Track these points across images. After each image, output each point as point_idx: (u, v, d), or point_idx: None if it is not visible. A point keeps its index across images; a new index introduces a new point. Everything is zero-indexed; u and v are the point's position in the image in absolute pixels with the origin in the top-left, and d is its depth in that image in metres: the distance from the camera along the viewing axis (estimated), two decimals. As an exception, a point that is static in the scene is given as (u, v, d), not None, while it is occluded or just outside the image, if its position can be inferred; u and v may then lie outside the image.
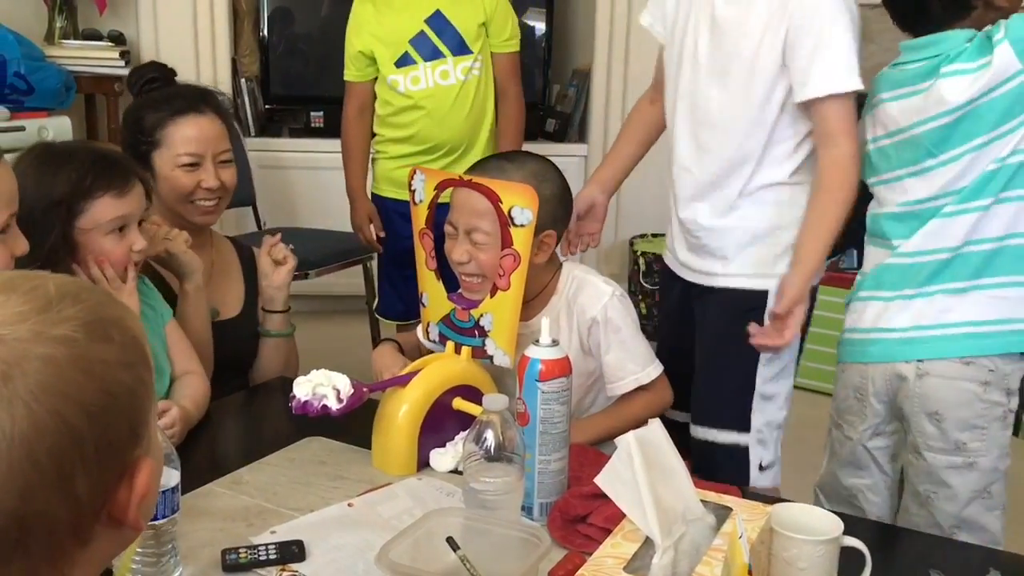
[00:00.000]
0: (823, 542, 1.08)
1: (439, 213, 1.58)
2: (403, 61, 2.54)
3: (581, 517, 1.23)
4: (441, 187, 1.55)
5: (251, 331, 1.86)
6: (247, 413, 1.68)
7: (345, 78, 2.65)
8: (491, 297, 1.50)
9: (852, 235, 1.74)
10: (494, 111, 2.64)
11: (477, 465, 1.18)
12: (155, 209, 1.81)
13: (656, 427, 1.11)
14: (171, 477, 1.10)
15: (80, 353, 0.63)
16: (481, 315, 1.51)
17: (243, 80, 3.94)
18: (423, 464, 1.43)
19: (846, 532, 1.10)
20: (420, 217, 1.58)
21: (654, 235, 4.01)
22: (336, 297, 3.57)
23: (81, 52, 3.39)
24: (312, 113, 3.95)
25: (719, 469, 1.66)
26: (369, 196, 2.73)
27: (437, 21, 2.53)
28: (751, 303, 1.72)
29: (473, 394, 1.45)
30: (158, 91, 1.85)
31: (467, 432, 1.23)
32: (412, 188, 1.57)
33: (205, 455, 1.50)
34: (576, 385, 1.39)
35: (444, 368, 1.47)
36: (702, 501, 1.11)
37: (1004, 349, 1.59)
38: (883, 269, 1.67)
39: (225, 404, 1.67)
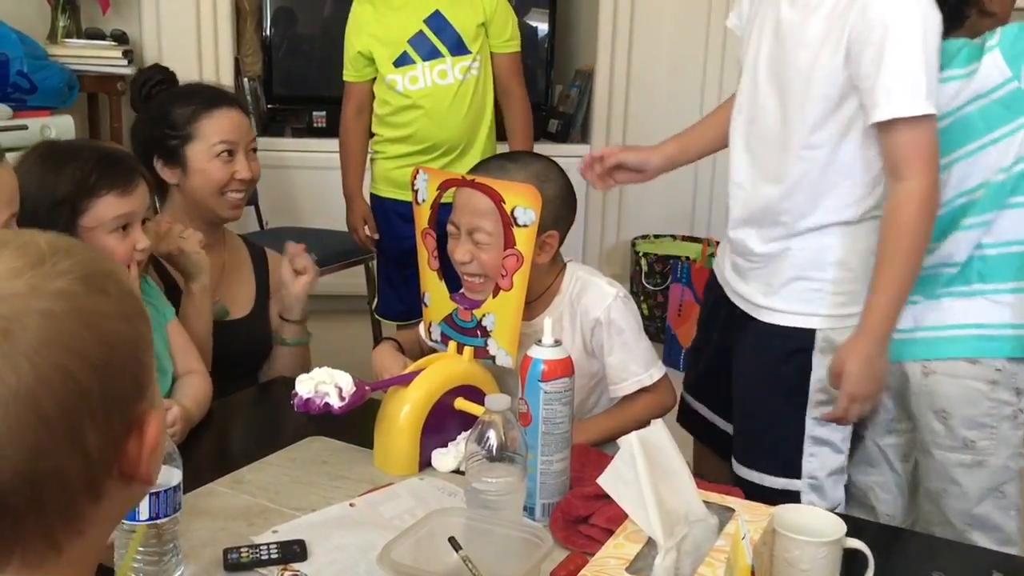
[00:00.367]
0: (826, 543, 1.08)
1: (442, 213, 1.58)
2: (402, 61, 2.54)
3: (583, 518, 1.23)
4: (444, 187, 1.55)
5: (261, 331, 1.85)
6: (249, 412, 1.68)
7: (344, 78, 2.66)
8: (493, 297, 1.50)
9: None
10: (493, 111, 2.64)
11: (479, 465, 1.18)
12: (178, 207, 1.83)
13: (659, 428, 1.11)
14: (173, 476, 1.10)
15: (79, 305, 0.62)
16: (483, 315, 1.51)
17: (246, 79, 3.94)
18: (425, 464, 1.42)
19: (849, 534, 1.10)
20: (423, 217, 1.58)
21: (656, 236, 4.01)
22: (338, 297, 3.56)
23: (84, 51, 3.38)
24: (315, 113, 3.95)
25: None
26: (367, 196, 2.74)
27: (436, 21, 2.53)
28: (796, 343, 1.58)
29: (475, 394, 1.44)
30: (172, 89, 1.86)
31: (469, 432, 1.23)
32: (415, 188, 1.57)
33: (207, 454, 1.49)
34: (579, 386, 1.39)
35: (446, 368, 1.47)
36: (704, 502, 1.11)
37: (1011, 353, 1.59)
38: None
39: (227, 403, 1.67)
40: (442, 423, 1.43)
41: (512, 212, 1.44)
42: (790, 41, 1.52)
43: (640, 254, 3.86)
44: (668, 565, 1.00)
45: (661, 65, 3.95)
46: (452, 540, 1.10)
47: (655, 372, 1.62)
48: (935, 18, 1.43)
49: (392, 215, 2.66)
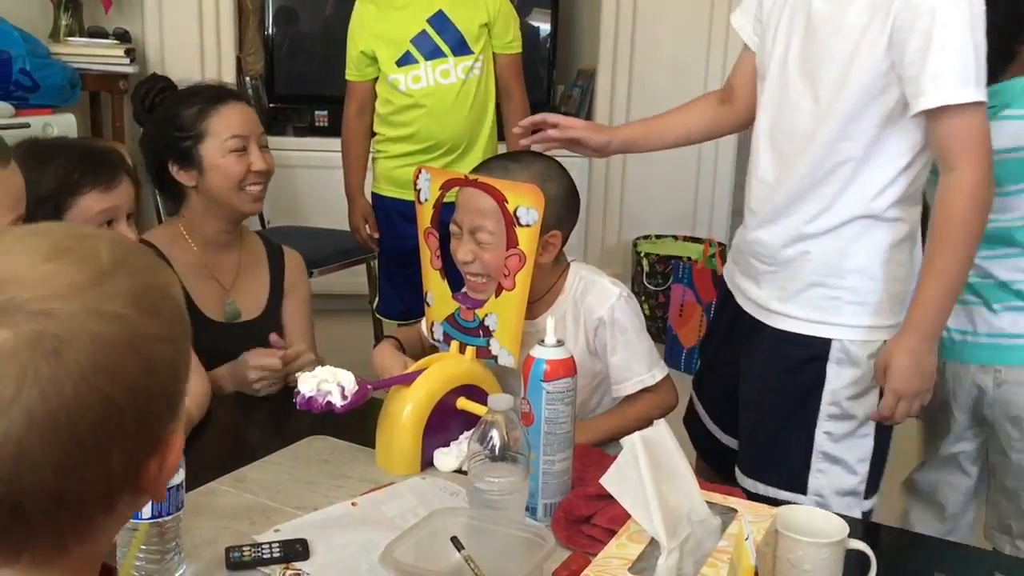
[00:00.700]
0: (828, 545, 1.08)
1: (444, 212, 1.58)
2: (404, 60, 2.55)
3: (585, 518, 1.23)
4: (446, 186, 1.55)
5: (272, 333, 1.81)
6: (251, 411, 1.68)
7: (346, 77, 2.66)
8: (496, 297, 1.50)
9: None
10: (495, 111, 2.65)
11: (481, 465, 1.18)
12: (197, 211, 1.82)
13: (662, 428, 1.11)
14: (175, 475, 1.10)
15: (131, 331, 0.62)
16: (486, 315, 1.51)
17: (247, 78, 3.94)
18: (427, 464, 1.42)
19: (851, 535, 1.10)
20: (425, 216, 1.58)
21: (657, 236, 4.01)
22: (339, 296, 3.57)
23: (86, 50, 3.39)
24: (316, 112, 3.95)
25: None
26: (369, 195, 2.74)
27: (439, 21, 2.54)
28: (811, 352, 1.53)
29: (477, 394, 1.44)
30: (175, 92, 1.87)
31: (471, 432, 1.23)
32: (417, 187, 1.57)
33: (209, 453, 1.49)
34: (581, 386, 1.39)
35: (448, 368, 1.47)
36: (707, 503, 1.11)
37: None
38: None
39: (229, 402, 1.67)
40: (444, 423, 1.43)
41: (515, 212, 1.44)
42: (824, 32, 1.47)
43: (641, 254, 3.86)
44: (671, 565, 1.00)
45: (663, 65, 3.95)
46: (454, 540, 1.09)
47: (658, 372, 1.62)
48: (981, 4, 1.38)
49: (393, 214, 2.66)
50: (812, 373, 1.53)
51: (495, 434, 1.18)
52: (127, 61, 3.40)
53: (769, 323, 1.59)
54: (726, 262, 1.76)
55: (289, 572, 1.15)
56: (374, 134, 2.70)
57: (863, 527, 1.39)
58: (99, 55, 3.38)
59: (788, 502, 1.50)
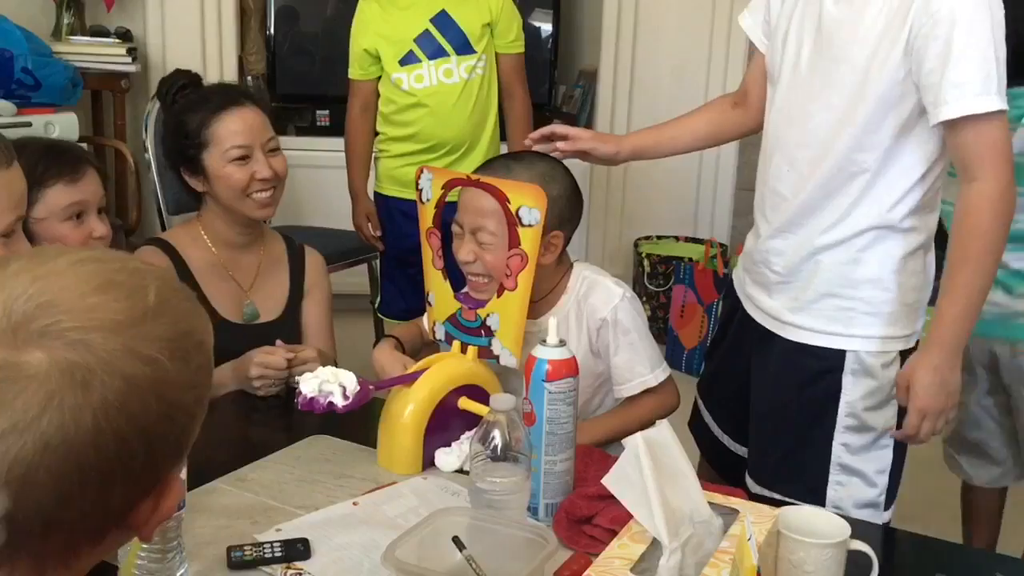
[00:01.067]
0: (830, 545, 1.08)
1: (447, 212, 1.58)
2: (407, 59, 2.55)
3: (587, 518, 1.23)
4: (448, 186, 1.55)
5: (290, 335, 1.80)
6: (253, 410, 1.67)
7: (349, 76, 2.67)
8: (498, 297, 1.50)
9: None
10: (498, 111, 2.65)
11: (483, 465, 1.18)
12: (213, 213, 1.82)
13: (664, 428, 1.11)
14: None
15: (161, 377, 0.63)
16: (488, 315, 1.51)
17: (249, 78, 3.94)
18: (428, 463, 1.42)
19: (853, 536, 1.10)
20: (427, 216, 1.58)
21: (659, 237, 4.01)
22: (341, 296, 3.57)
23: (88, 48, 3.39)
24: (318, 112, 3.95)
25: None
26: (372, 194, 2.74)
27: (442, 20, 2.54)
28: (825, 363, 1.51)
29: (479, 394, 1.44)
30: (188, 96, 1.85)
31: (473, 432, 1.23)
32: (419, 187, 1.57)
33: (210, 452, 1.48)
34: (584, 386, 1.38)
35: (450, 367, 1.47)
36: (710, 503, 1.11)
37: None
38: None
39: (231, 401, 1.67)
40: (446, 422, 1.43)
41: (517, 212, 1.44)
42: (839, 38, 1.43)
43: (643, 255, 3.86)
44: (672, 566, 1.00)
45: (664, 66, 3.94)
46: (456, 539, 1.10)
47: (660, 373, 1.62)
48: (1000, 10, 1.35)
49: (396, 213, 2.66)
50: (828, 385, 1.51)
51: (497, 434, 1.18)
52: (129, 60, 3.40)
53: (782, 334, 1.56)
54: (735, 270, 1.73)
55: (290, 572, 1.15)
56: (377, 133, 2.70)
57: (865, 528, 1.39)
58: (101, 54, 3.38)
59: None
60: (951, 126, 1.37)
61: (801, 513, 1.14)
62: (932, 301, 1.52)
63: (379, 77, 2.62)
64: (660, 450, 1.07)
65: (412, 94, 2.56)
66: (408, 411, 1.41)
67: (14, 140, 1.64)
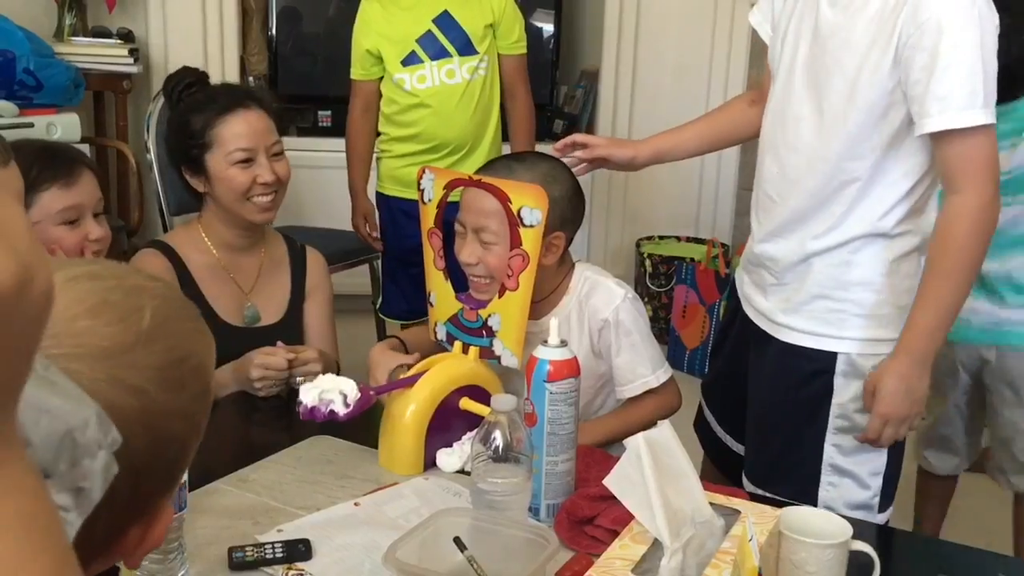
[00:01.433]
0: (832, 546, 1.08)
1: (448, 212, 1.58)
2: (410, 60, 2.55)
3: (588, 519, 1.23)
4: (450, 186, 1.55)
5: (292, 338, 1.79)
6: (254, 411, 1.68)
7: (351, 77, 2.67)
8: (499, 297, 1.50)
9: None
10: (500, 112, 2.65)
11: (484, 465, 1.18)
12: (212, 214, 1.81)
13: (666, 429, 1.11)
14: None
15: (147, 407, 0.60)
16: (489, 315, 1.51)
17: (251, 78, 3.94)
18: (430, 464, 1.42)
19: (855, 536, 1.10)
20: (429, 216, 1.58)
21: (661, 237, 4.00)
22: (342, 296, 3.57)
23: (90, 49, 3.39)
24: (320, 112, 3.95)
25: None
26: (373, 195, 2.74)
27: (444, 21, 2.54)
28: (817, 365, 1.51)
29: (480, 394, 1.44)
30: (194, 95, 1.83)
31: (474, 432, 1.22)
32: (421, 187, 1.57)
33: (212, 453, 1.48)
34: (585, 387, 1.38)
35: (451, 368, 1.47)
36: (711, 504, 1.11)
37: None
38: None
39: (233, 402, 1.67)
40: (447, 423, 1.43)
41: (519, 212, 1.44)
42: (833, 44, 1.42)
43: (644, 255, 3.86)
44: (674, 567, 1.00)
45: (666, 66, 3.94)
46: (457, 540, 1.09)
47: (662, 374, 1.62)
48: (992, 19, 1.32)
49: (398, 213, 2.66)
50: (819, 386, 1.52)
51: (498, 435, 1.18)
52: (131, 61, 3.40)
53: (775, 335, 1.57)
54: (737, 270, 1.73)
55: (292, 572, 1.15)
56: (379, 133, 2.70)
57: (867, 529, 1.39)
58: (103, 55, 3.38)
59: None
60: (935, 138, 1.36)
61: (803, 513, 1.14)
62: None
63: (381, 78, 2.62)
64: (661, 451, 1.07)
65: (414, 94, 2.56)
66: (409, 412, 1.41)
67: (11, 141, 1.64)
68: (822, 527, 1.11)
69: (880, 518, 1.55)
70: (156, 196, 2.82)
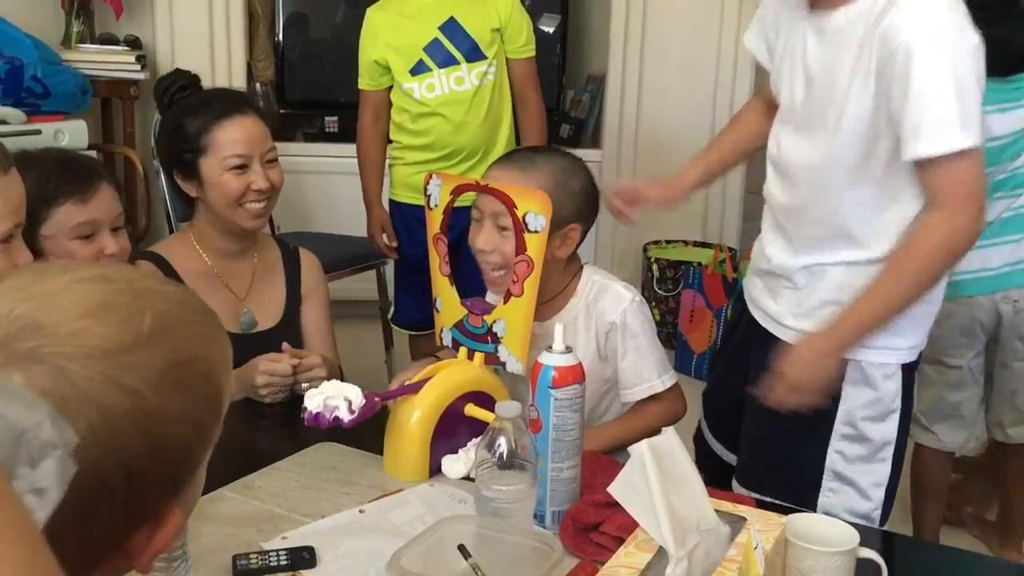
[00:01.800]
0: (839, 553, 1.07)
1: (454, 218, 1.58)
2: (418, 69, 2.55)
3: (594, 525, 1.22)
4: (456, 192, 1.54)
5: (291, 343, 1.77)
6: (259, 417, 1.67)
7: (360, 87, 2.66)
8: (504, 303, 1.49)
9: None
10: (512, 116, 2.65)
11: (489, 472, 1.17)
12: (203, 219, 1.81)
13: (670, 436, 1.10)
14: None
15: (142, 409, 0.59)
16: (494, 321, 1.50)
17: (258, 84, 3.95)
18: (435, 470, 1.42)
19: (862, 543, 1.09)
20: (435, 222, 1.57)
21: (668, 242, 3.99)
22: (349, 302, 3.57)
23: (98, 56, 3.40)
24: (327, 118, 3.95)
25: None
26: (386, 202, 2.73)
27: (451, 28, 2.54)
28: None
29: (486, 400, 1.44)
30: (191, 97, 1.83)
31: (479, 439, 1.22)
32: (427, 193, 1.57)
33: (216, 459, 1.48)
34: (591, 391, 1.38)
35: (456, 374, 1.47)
36: (717, 511, 1.10)
37: None
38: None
39: (237, 408, 1.67)
40: (452, 429, 1.42)
41: (524, 218, 1.44)
42: (821, 79, 1.42)
43: (652, 259, 3.85)
44: (679, 575, 0.99)
45: (673, 70, 3.94)
46: (462, 548, 1.09)
47: (667, 379, 1.61)
48: (965, 40, 1.31)
49: (411, 220, 2.65)
50: (830, 395, 1.50)
51: (503, 441, 1.17)
52: (138, 68, 3.41)
53: (784, 338, 1.56)
54: (745, 274, 1.72)
55: (296, 580, 1.15)
56: (390, 141, 2.70)
57: (874, 536, 1.38)
58: (110, 62, 3.39)
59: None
60: (918, 163, 1.35)
61: (809, 521, 1.13)
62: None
63: (390, 87, 2.62)
64: (666, 458, 1.06)
65: (424, 104, 2.56)
66: (415, 418, 1.41)
67: (33, 151, 1.63)
68: (829, 534, 1.10)
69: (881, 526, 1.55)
70: (163, 203, 2.83)
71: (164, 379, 0.61)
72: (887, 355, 1.49)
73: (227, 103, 1.79)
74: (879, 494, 1.53)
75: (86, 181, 1.53)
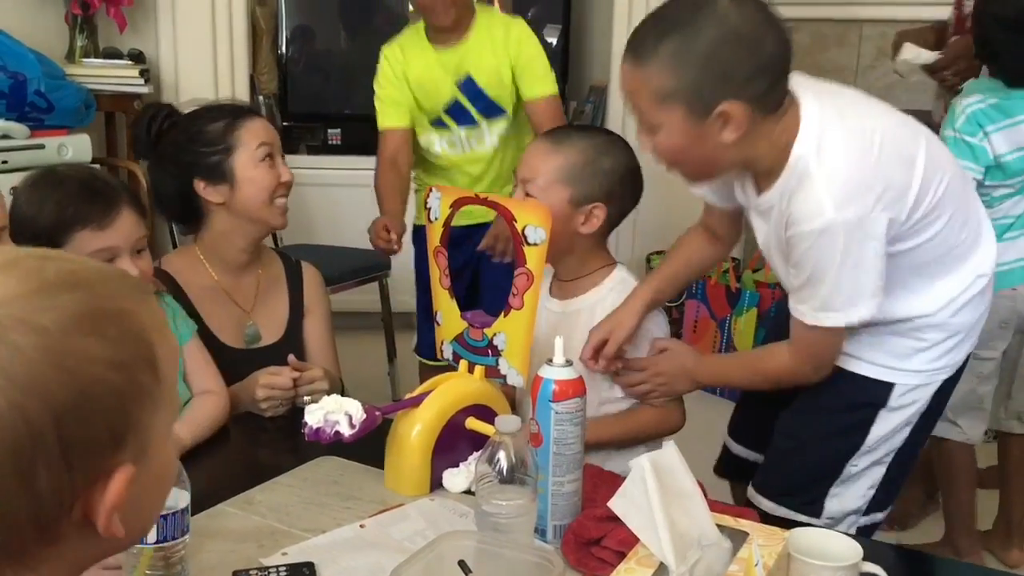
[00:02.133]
0: (842, 568, 1.06)
1: (455, 232, 1.58)
2: (438, 123, 2.55)
3: (595, 540, 1.22)
4: (456, 205, 1.54)
5: (294, 356, 1.75)
6: (260, 432, 1.67)
7: (379, 127, 2.57)
8: (504, 316, 1.49)
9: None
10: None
11: (490, 487, 1.17)
12: (218, 233, 1.78)
13: (670, 450, 1.10)
14: (181, 498, 1.09)
15: (54, 346, 0.60)
16: (494, 334, 1.50)
17: (261, 97, 3.96)
18: (436, 484, 1.41)
19: (865, 558, 1.08)
20: (435, 235, 1.57)
21: (671, 252, 3.99)
22: (352, 314, 3.58)
23: (101, 71, 3.41)
24: (330, 130, 3.97)
25: None
26: (411, 226, 2.62)
27: (468, 87, 2.51)
28: (869, 396, 1.53)
29: (487, 414, 1.43)
30: (191, 112, 1.83)
31: (480, 453, 1.22)
32: (428, 206, 1.57)
33: (216, 475, 1.49)
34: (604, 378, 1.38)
35: (457, 387, 1.46)
36: (718, 525, 1.10)
37: None
38: None
39: (238, 422, 1.67)
40: (453, 443, 1.42)
41: (523, 231, 1.44)
42: (765, 248, 1.51)
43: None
44: (680, 590, 0.99)
45: (675, 81, 3.94)
46: (462, 563, 1.08)
47: None
48: (862, 222, 1.33)
49: None
50: (863, 416, 1.53)
51: (503, 455, 1.17)
52: (141, 82, 3.41)
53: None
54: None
55: (296, 596, 1.14)
56: (415, 168, 2.66)
57: (877, 549, 1.37)
58: (114, 76, 3.40)
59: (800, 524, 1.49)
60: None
61: (812, 535, 1.12)
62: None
63: (410, 127, 2.56)
64: (666, 472, 1.06)
65: (445, 157, 2.57)
66: (415, 432, 1.40)
67: (61, 169, 1.61)
68: (832, 548, 1.09)
69: (863, 520, 1.57)
70: (168, 221, 2.82)
71: (77, 323, 0.62)
72: (932, 376, 1.53)
73: (237, 107, 1.83)
74: (870, 493, 1.56)
75: (106, 206, 1.51)
